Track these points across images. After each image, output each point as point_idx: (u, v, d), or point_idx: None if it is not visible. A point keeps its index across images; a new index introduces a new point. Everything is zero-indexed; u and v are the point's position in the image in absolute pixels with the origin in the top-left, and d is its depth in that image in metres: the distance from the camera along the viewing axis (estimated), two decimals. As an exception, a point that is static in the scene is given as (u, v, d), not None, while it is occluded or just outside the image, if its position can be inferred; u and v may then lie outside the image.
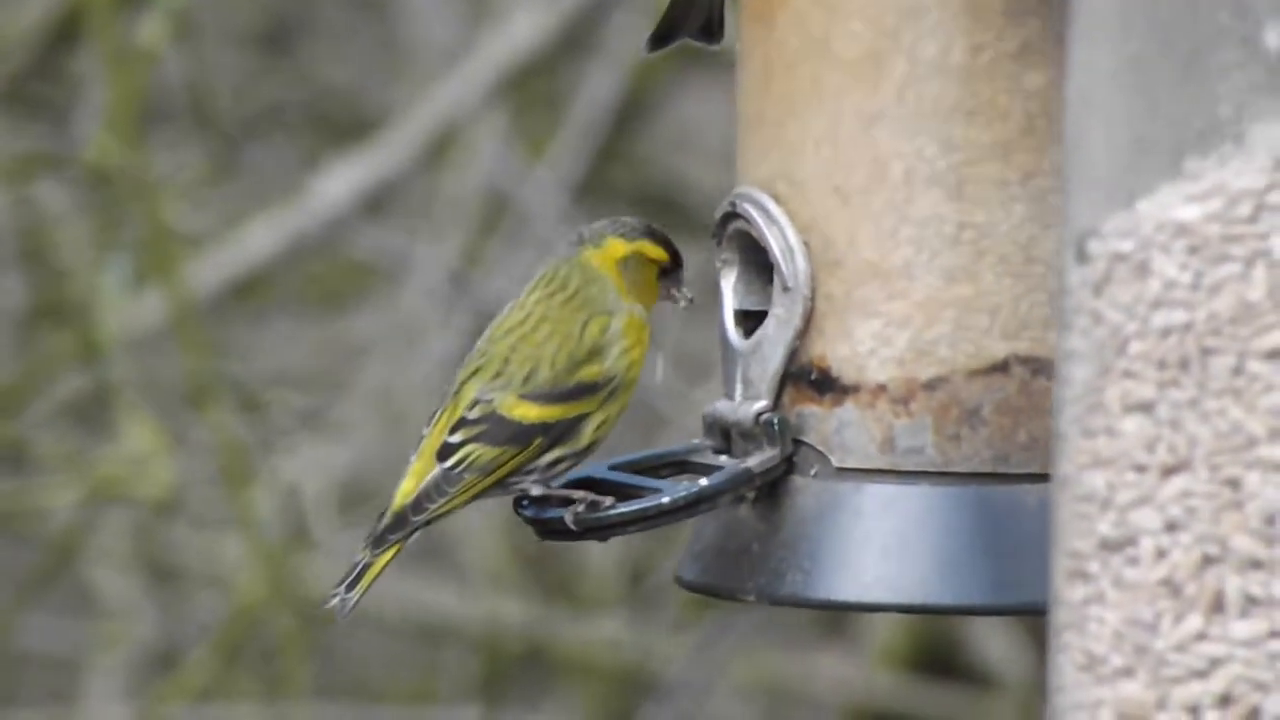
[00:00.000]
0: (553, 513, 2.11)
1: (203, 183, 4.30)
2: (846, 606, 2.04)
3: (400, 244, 4.44)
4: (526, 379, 2.10)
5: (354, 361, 4.46)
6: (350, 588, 2.09)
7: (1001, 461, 2.08)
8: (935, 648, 4.57)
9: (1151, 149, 1.75)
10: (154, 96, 4.21)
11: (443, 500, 2.09)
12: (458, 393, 2.12)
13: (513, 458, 2.09)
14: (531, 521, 2.13)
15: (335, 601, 2.09)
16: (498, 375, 2.11)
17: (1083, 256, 1.77)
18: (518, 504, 2.14)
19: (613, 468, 2.14)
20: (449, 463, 2.09)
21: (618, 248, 2.13)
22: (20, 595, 4.26)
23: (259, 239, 4.30)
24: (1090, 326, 1.76)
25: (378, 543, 2.09)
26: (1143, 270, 1.75)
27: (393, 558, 2.10)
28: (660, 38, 2.23)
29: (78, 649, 4.38)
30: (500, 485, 2.12)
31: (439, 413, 2.13)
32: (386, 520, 2.10)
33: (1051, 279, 2.08)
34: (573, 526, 2.08)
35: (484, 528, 4.49)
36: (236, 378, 4.30)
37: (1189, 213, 1.74)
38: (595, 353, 2.11)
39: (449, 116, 4.33)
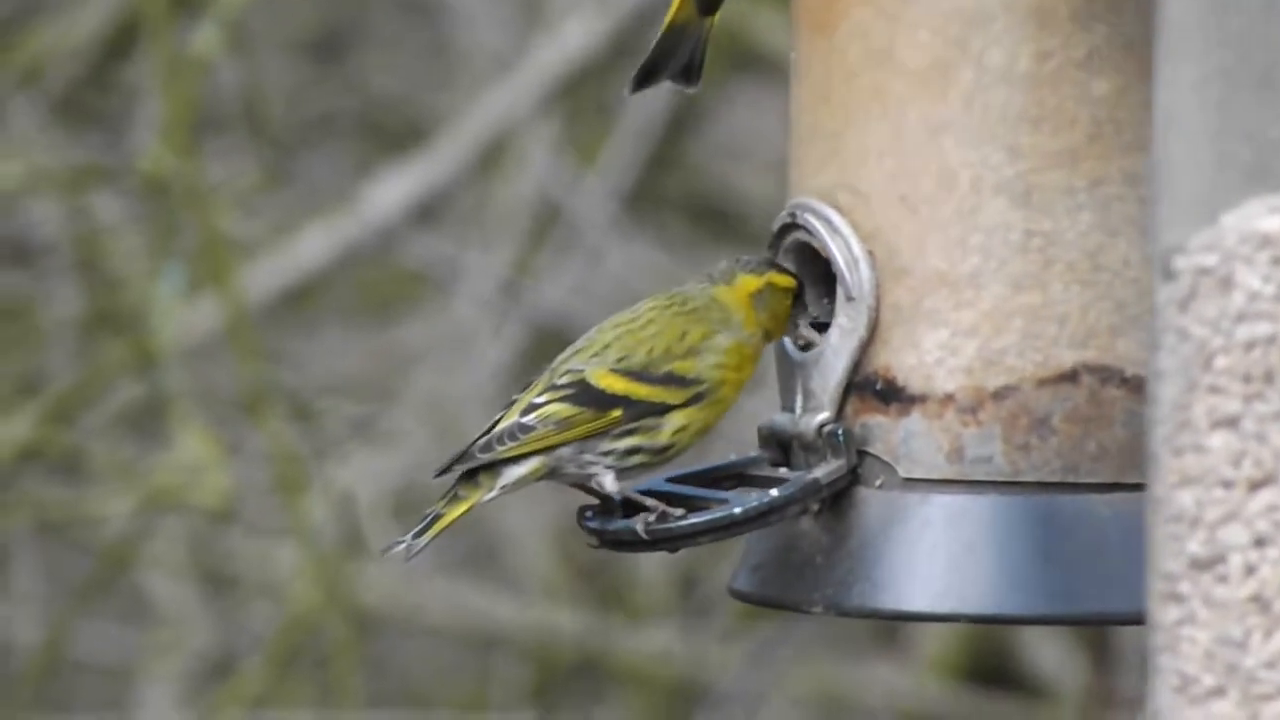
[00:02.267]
0: (619, 524, 2.11)
1: (256, 191, 4.31)
2: (916, 617, 2.04)
3: (451, 252, 4.44)
4: (621, 359, 2.15)
5: (405, 370, 4.46)
6: (418, 535, 2.11)
7: (1071, 471, 2.07)
8: (988, 657, 4.56)
9: (1233, 162, 1.75)
10: (207, 106, 4.22)
11: (512, 444, 2.12)
12: (555, 368, 2.17)
13: (587, 421, 2.12)
14: (596, 533, 2.13)
15: (401, 548, 2.11)
16: (595, 355, 2.16)
17: (1168, 274, 1.77)
18: (582, 514, 2.14)
19: (671, 480, 2.14)
20: (527, 417, 2.12)
21: (750, 283, 2.17)
22: (76, 603, 4.28)
23: (311, 247, 4.30)
24: (1177, 344, 1.76)
25: (440, 473, 2.13)
26: (1226, 284, 1.75)
27: (463, 514, 2.12)
28: (642, 79, 2.24)
29: (133, 657, 4.39)
30: (574, 462, 2.13)
31: (535, 382, 2.18)
32: (463, 458, 2.12)
33: (1120, 291, 2.07)
34: (644, 537, 2.09)
35: (536, 537, 4.49)
36: (289, 386, 4.31)
37: (1272, 223, 1.74)
38: (692, 353, 2.15)
39: (500, 125, 4.33)
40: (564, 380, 2.14)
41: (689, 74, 2.22)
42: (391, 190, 4.30)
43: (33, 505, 4.22)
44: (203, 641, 4.35)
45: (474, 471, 2.13)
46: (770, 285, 2.16)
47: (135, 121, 4.25)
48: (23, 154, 4.20)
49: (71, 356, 4.28)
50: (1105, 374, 2.08)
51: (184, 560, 4.35)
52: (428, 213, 4.37)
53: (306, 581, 4.17)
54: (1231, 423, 1.74)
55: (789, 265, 2.17)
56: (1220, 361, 1.75)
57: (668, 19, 2.20)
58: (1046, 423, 2.07)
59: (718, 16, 2.21)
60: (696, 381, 2.14)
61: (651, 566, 4.48)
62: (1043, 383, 2.07)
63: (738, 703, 4.47)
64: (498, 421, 2.15)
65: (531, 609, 4.46)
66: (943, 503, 2.05)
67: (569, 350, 2.17)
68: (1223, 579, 1.74)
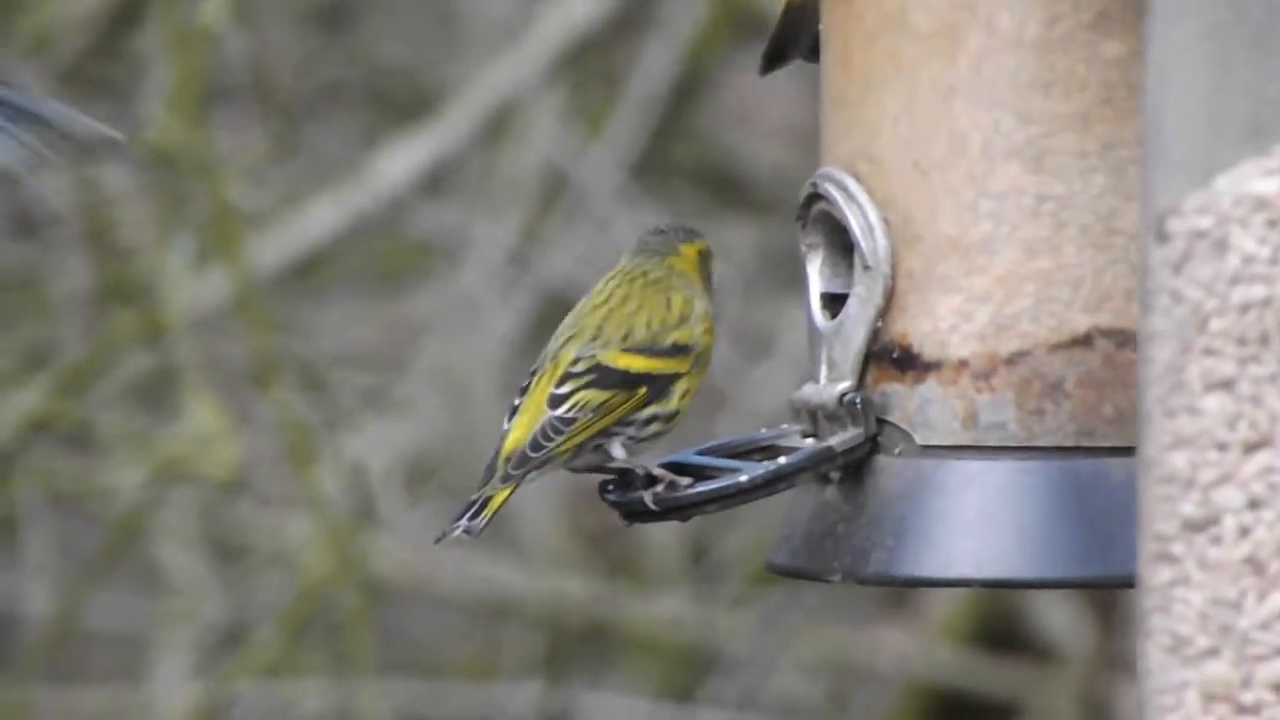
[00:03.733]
0: (632, 495, 2.13)
1: (264, 162, 4.32)
2: (930, 583, 2.05)
3: (459, 222, 4.44)
4: (625, 337, 2.19)
5: (415, 339, 4.47)
6: (474, 517, 2.15)
7: (1086, 435, 2.07)
8: (998, 621, 4.57)
9: (1228, 123, 1.75)
10: (215, 76, 4.22)
11: (560, 439, 2.15)
12: (555, 358, 2.19)
13: (621, 404, 2.16)
14: (615, 505, 2.14)
15: (458, 532, 2.14)
16: (594, 339, 2.19)
17: (1162, 236, 1.77)
18: (603, 488, 2.16)
19: (700, 453, 2.15)
20: (561, 409, 2.16)
21: (691, 250, 2.22)
22: (88, 574, 4.29)
23: (320, 218, 4.31)
24: (1171, 306, 1.76)
25: (505, 479, 2.16)
26: (1221, 246, 1.75)
27: (509, 495, 2.16)
28: (771, 58, 2.23)
29: (145, 627, 4.40)
30: (604, 433, 2.15)
31: (537, 376, 2.20)
32: (512, 460, 2.16)
33: (1138, 258, 2.07)
34: (653, 507, 2.10)
35: (546, 505, 4.50)
36: (299, 356, 4.31)
37: (1267, 186, 1.74)
38: (683, 320, 2.19)
39: (507, 94, 4.34)
40: (580, 368, 2.17)
41: (819, 51, 2.19)
42: (400, 160, 4.31)
43: (44, 477, 4.23)
44: (215, 611, 4.37)
45: (493, 465, 2.16)
46: (702, 251, 2.20)
47: (143, 91, 4.25)
48: (31, 126, 4.20)
49: (81, 328, 4.29)
50: (1120, 337, 2.08)
51: (196, 531, 4.37)
52: (436, 182, 4.37)
53: (319, 551, 4.18)
54: (1227, 385, 1.74)
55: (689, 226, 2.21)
56: (1215, 324, 1.74)
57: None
58: (1060, 387, 2.07)
59: None
60: (694, 347, 2.18)
61: (661, 534, 4.49)
62: (1056, 347, 2.07)
63: (748, 669, 4.48)
64: (509, 429, 2.17)
65: (542, 577, 4.48)
66: (958, 469, 2.06)
67: (557, 341, 2.20)
68: (1217, 540, 1.74)
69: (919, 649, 4.53)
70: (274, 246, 4.29)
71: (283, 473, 4.24)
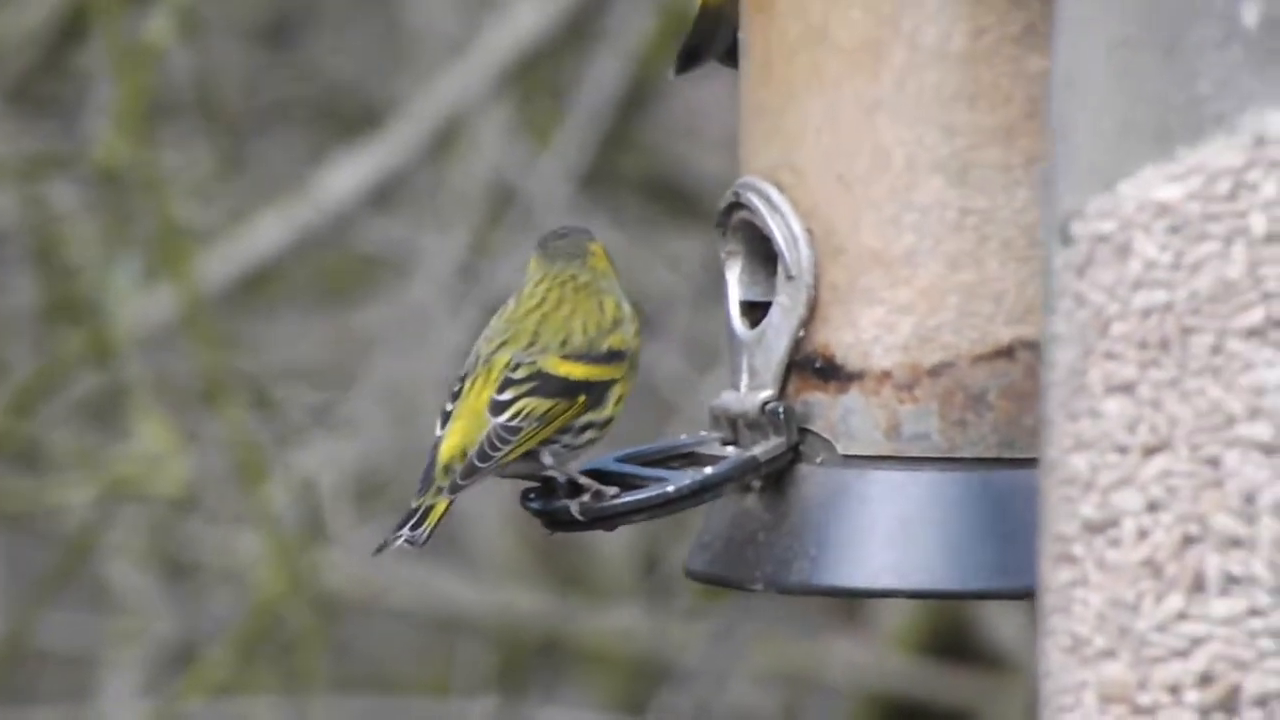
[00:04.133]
0: (559, 504, 2.13)
1: (210, 178, 4.31)
2: (853, 593, 2.05)
3: (407, 236, 4.44)
4: (563, 344, 2.17)
5: (364, 354, 4.46)
6: (415, 527, 2.12)
7: (1008, 446, 2.08)
8: (949, 631, 4.58)
9: (1135, 130, 1.74)
10: (161, 93, 4.21)
11: (506, 449, 2.13)
12: (488, 362, 2.17)
13: (564, 411, 2.15)
14: (539, 513, 2.14)
15: (400, 541, 2.11)
16: (530, 345, 2.18)
17: (1066, 239, 1.76)
18: (525, 496, 2.16)
19: (620, 460, 2.15)
20: (505, 416, 2.14)
21: (599, 249, 2.22)
22: (38, 593, 4.28)
23: (267, 233, 4.31)
24: (1073, 309, 1.76)
25: (453, 489, 2.13)
26: (1124, 251, 1.75)
27: (449, 507, 2.13)
28: (686, 59, 2.22)
29: (95, 646, 4.39)
30: (537, 446, 2.15)
31: (469, 380, 2.17)
32: (458, 469, 2.13)
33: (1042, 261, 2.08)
34: (579, 517, 2.10)
35: (496, 519, 4.50)
36: (248, 373, 4.31)
37: (1170, 192, 1.74)
38: (617, 324, 2.18)
39: (454, 107, 4.34)
40: (520, 374, 2.15)
41: (735, 55, 2.19)
42: (346, 175, 4.30)
43: (-7, 496, 4.22)
44: (165, 629, 4.36)
45: (431, 473, 2.14)
46: (605, 249, 2.21)
47: (89, 108, 4.24)
48: (-24, 144, 4.20)
49: (28, 347, 4.27)
50: (1042, 350, 2.09)
51: (145, 548, 4.36)
52: (383, 196, 4.37)
53: (269, 568, 4.17)
54: (1127, 389, 1.74)
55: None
56: (1117, 328, 1.74)
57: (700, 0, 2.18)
58: (983, 399, 2.08)
59: None
60: (628, 352, 2.17)
61: (612, 546, 4.49)
62: (979, 359, 2.08)
63: (701, 681, 4.49)
64: (443, 435, 2.15)
65: (494, 591, 4.47)
66: (880, 479, 2.06)
67: (489, 345, 2.17)
68: (1115, 543, 1.74)
69: (871, 659, 4.53)
70: (221, 262, 4.28)
71: (232, 490, 4.24)
